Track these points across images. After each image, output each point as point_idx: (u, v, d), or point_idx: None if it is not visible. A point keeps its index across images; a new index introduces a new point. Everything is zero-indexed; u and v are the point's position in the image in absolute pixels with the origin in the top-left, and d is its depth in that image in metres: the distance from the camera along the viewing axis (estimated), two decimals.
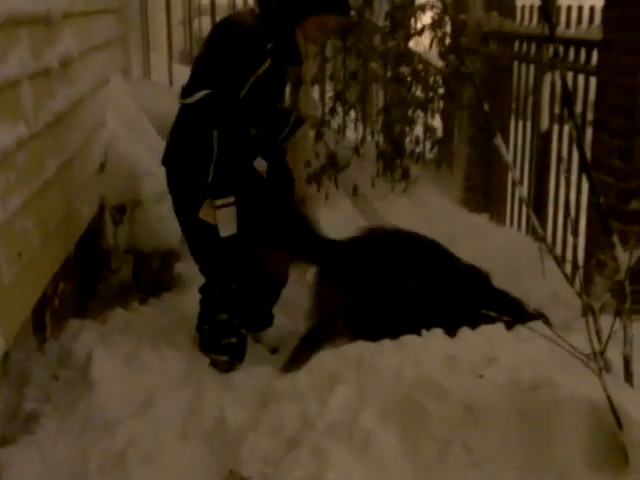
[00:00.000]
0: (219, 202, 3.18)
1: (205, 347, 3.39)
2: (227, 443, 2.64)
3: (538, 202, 4.65)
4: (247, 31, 3.07)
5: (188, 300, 3.90)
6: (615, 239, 1.99)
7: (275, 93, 3.27)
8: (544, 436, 1.97)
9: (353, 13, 5.34)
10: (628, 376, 2.01)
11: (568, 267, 4.13)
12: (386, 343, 2.81)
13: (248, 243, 3.34)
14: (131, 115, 4.69)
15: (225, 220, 3.21)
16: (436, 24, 5.25)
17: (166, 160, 3.34)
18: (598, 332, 1.97)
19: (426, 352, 2.54)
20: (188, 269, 4.42)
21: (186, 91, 3.17)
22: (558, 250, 4.38)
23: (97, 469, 2.67)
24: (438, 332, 2.74)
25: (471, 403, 2.08)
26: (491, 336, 2.58)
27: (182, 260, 4.48)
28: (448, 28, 5.27)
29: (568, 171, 4.28)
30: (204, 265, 3.44)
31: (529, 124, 4.77)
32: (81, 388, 3.01)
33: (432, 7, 5.27)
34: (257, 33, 3.06)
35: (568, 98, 1.99)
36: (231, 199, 3.19)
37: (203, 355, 3.36)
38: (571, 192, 4.25)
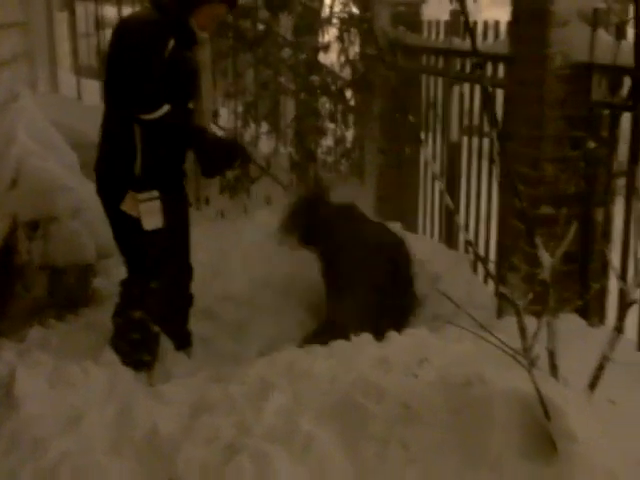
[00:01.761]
0: (143, 196, 3.33)
1: (116, 340, 3.53)
2: (161, 455, 2.62)
3: (450, 212, 4.81)
4: (148, 22, 3.34)
5: (107, 316, 3.86)
6: (538, 241, 2.10)
7: (187, 79, 3.42)
8: (477, 429, 2.06)
9: (262, 27, 5.44)
10: (553, 370, 2.12)
11: (482, 273, 4.31)
12: (316, 349, 2.87)
13: (173, 243, 3.44)
14: (42, 129, 4.60)
15: (148, 213, 3.35)
16: (343, 34, 5.39)
17: (97, 164, 3.50)
18: (523, 329, 2.08)
19: (358, 356, 2.60)
20: (105, 284, 4.38)
21: (109, 88, 3.42)
22: (470, 257, 4.56)
23: None
24: (367, 337, 2.82)
25: (407, 401, 2.16)
26: (420, 338, 2.68)
27: (99, 276, 4.43)
28: (355, 38, 5.42)
29: (479, 180, 4.47)
30: (128, 259, 3.58)
31: (438, 136, 4.94)
32: (5, 407, 2.94)
33: (339, 19, 5.41)
34: (157, 21, 3.31)
35: (492, 109, 2.08)
36: (155, 194, 3.35)
37: (120, 359, 3.44)
38: (481, 201, 4.47)
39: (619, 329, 2.09)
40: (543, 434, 2.02)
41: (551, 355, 2.12)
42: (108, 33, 6.56)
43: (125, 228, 3.46)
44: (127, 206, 3.38)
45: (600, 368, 2.10)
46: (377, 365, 2.44)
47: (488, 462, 2.03)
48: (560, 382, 2.12)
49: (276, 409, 2.44)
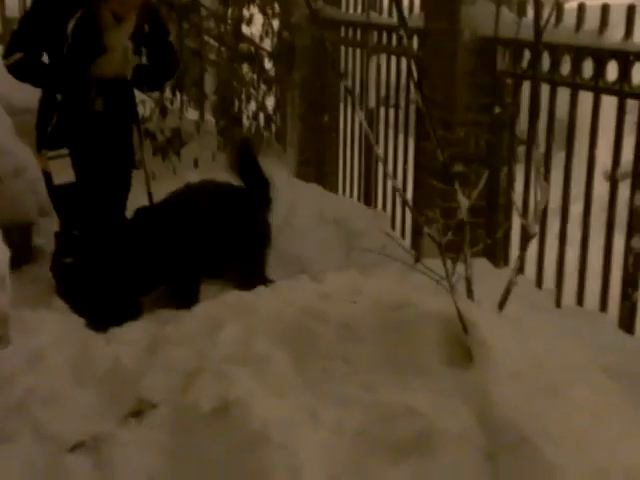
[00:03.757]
0: (51, 153, 3.73)
1: (59, 289, 3.92)
2: (124, 384, 2.88)
3: (368, 172, 5.21)
4: None
5: (48, 271, 4.13)
6: (457, 186, 2.50)
7: (94, 55, 3.69)
8: (407, 344, 2.45)
9: None
10: (469, 293, 2.54)
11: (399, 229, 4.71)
12: (260, 290, 3.21)
13: (90, 195, 3.83)
14: None
15: (57, 170, 3.73)
16: (266, 7, 5.69)
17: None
18: (444, 259, 2.47)
19: (299, 293, 2.96)
20: (45, 242, 4.59)
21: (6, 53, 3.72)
22: (389, 213, 4.98)
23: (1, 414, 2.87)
24: (305, 278, 3.18)
25: (348, 323, 2.53)
26: (352, 276, 3.06)
27: (39, 234, 4.63)
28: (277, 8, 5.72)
29: (395, 146, 4.86)
30: (55, 211, 4.01)
31: (357, 105, 5.30)
32: None
33: None
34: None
35: (419, 77, 2.45)
36: (64, 151, 3.72)
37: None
38: (398, 162, 4.87)
39: (522, 259, 2.52)
40: (462, 346, 2.43)
41: (468, 282, 2.53)
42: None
43: (49, 184, 3.86)
44: (40, 162, 3.85)
45: (507, 291, 2.53)
46: (318, 298, 2.80)
47: (416, 370, 2.42)
48: (475, 304, 2.53)
49: (230, 339, 2.76)
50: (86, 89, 3.74)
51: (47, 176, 3.83)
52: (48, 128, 3.75)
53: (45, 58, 3.77)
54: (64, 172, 3.76)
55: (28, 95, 4.11)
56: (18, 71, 3.68)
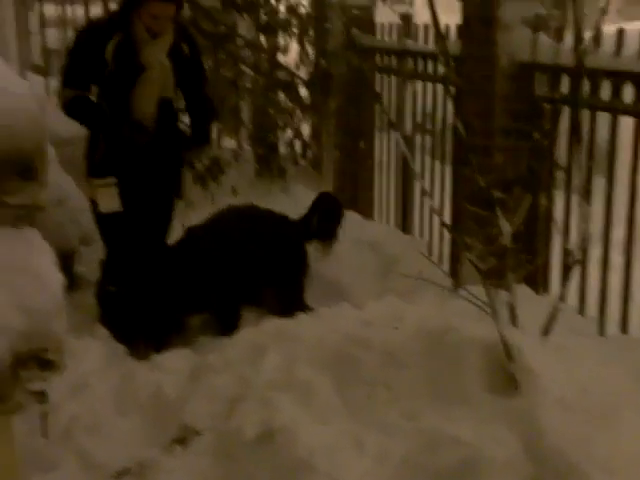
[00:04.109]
0: (98, 182, 3.80)
1: (102, 316, 3.95)
2: (167, 411, 2.92)
3: (404, 199, 5.22)
4: (92, 23, 4.01)
5: (91, 298, 4.18)
6: (498, 212, 2.50)
7: (135, 77, 3.76)
8: (451, 371, 2.44)
9: (222, 27, 5.75)
10: (513, 320, 2.53)
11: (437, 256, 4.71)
12: (302, 317, 3.22)
13: (134, 223, 3.87)
14: None
15: (104, 198, 3.80)
16: (302, 35, 5.76)
17: None
18: (487, 285, 2.47)
19: (341, 320, 2.97)
20: (88, 271, 4.66)
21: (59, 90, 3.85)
22: (426, 239, 4.97)
23: (45, 445, 2.90)
24: (346, 305, 3.19)
25: (390, 350, 2.53)
26: (392, 303, 3.07)
27: (82, 262, 4.70)
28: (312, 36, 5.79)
29: (432, 171, 4.86)
30: (101, 239, 4.04)
31: (392, 132, 5.33)
32: None
33: (298, 20, 5.77)
34: (102, 24, 3.87)
35: (459, 103, 2.46)
36: (111, 180, 3.79)
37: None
38: (435, 189, 4.87)
39: (565, 284, 2.50)
40: (506, 373, 2.41)
41: (511, 308, 2.52)
42: (50, 33, 6.88)
43: (94, 209, 3.93)
44: (86, 191, 3.92)
45: (552, 317, 2.51)
46: (360, 324, 2.81)
47: (460, 398, 2.41)
48: (519, 330, 2.52)
49: (273, 366, 2.78)
50: (129, 124, 3.79)
51: (94, 204, 3.88)
52: (96, 156, 3.83)
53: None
54: (111, 200, 3.81)
55: (72, 126, 4.19)
56: (68, 110, 3.79)
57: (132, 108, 3.78)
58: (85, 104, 3.80)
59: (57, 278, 1.70)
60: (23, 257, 1.67)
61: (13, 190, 1.67)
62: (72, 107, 3.76)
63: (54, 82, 4.04)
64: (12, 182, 1.67)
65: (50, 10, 6.69)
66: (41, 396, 1.76)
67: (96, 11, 5.90)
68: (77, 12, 6.33)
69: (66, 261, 4.49)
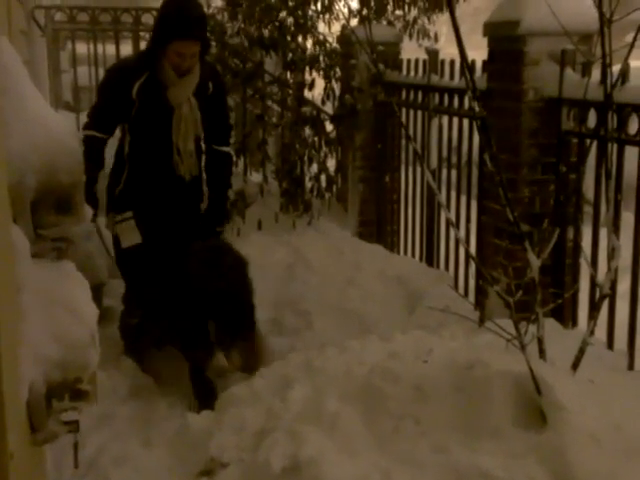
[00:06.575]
0: (117, 217, 3.86)
1: (127, 349, 4.04)
2: (193, 444, 2.94)
3: (430, 232, 5.23)
4: (121, 62, 4.14)
5: (117, 331, 4.22)
6: (527, 245, 2.50)
7: (162, 116, 3.80)
8: (479, 405, 2.43)
9: (249, 64, 5.83)
10: (542, 354, 2.51)
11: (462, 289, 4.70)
12: (328, 350, 3.22)
13: (153, 257, 3.89)
14: None
15: (124, 232, 3.84)
16: (329, 71, 5.83)
17: None
18: (515, 318, 2.46)
19: (368, 352, 2.97)
20: (116, 303, 4.69)
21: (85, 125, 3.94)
22: (451, 273, 4.96)
23: (72, 475, 2.92)
24: (373, 337, 3.19)
25: (418, 383, 2.52)
26: (419, 336, 3.06)
27: (109, 295, 4.74)
28: (338, 72, 5.86)
29: (458, 204, 4.87)
30: (120, 272, 4.08)
31: (418, 166, 5.36)
32: None
33: (324, 56, 5.84)
34: (130, 64, 3.93)
35: (487, 137, 2.48)
36: (129, 214, 3.83)
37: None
38: (460, 222, 4.87)
39: (594, 317, 2.49)
40: (535, 407, 2.40)
41: (539, 341, 2.51)
42: (81, 71, 7.04)
43: (115, 244, 3.97)
44: (107, 226, 3.96)
45: (581, 352, 2.50)
46: (387, 357, 2.80)
47: (489, 432, 2.40)
48: (548, 364, 2.50)
49: (300, 397, 2.78)
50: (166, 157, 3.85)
51: (115, 239, 3.93)
52: (116, 191, 3.89)
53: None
54: (131, 234, 3.85)
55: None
56: (85, 146, 3.79)
57: (173, 147, 3.84)
58: (98, 155, 3.84)
59: (92, 310, 1.73)
60: (60, 289, 1.70)
61: (51, 224, 1.70)
62: (88, 146, 3.68)
63: (84, 118, 4.08)
64: (50, 216, 1.70)
65: (82, 48, 6.83)
66: (73, 426, 1.77)
67: (127, 49, 6.02)
68: (108, 50, 6.46)
69: (95, 293, 4.51)
